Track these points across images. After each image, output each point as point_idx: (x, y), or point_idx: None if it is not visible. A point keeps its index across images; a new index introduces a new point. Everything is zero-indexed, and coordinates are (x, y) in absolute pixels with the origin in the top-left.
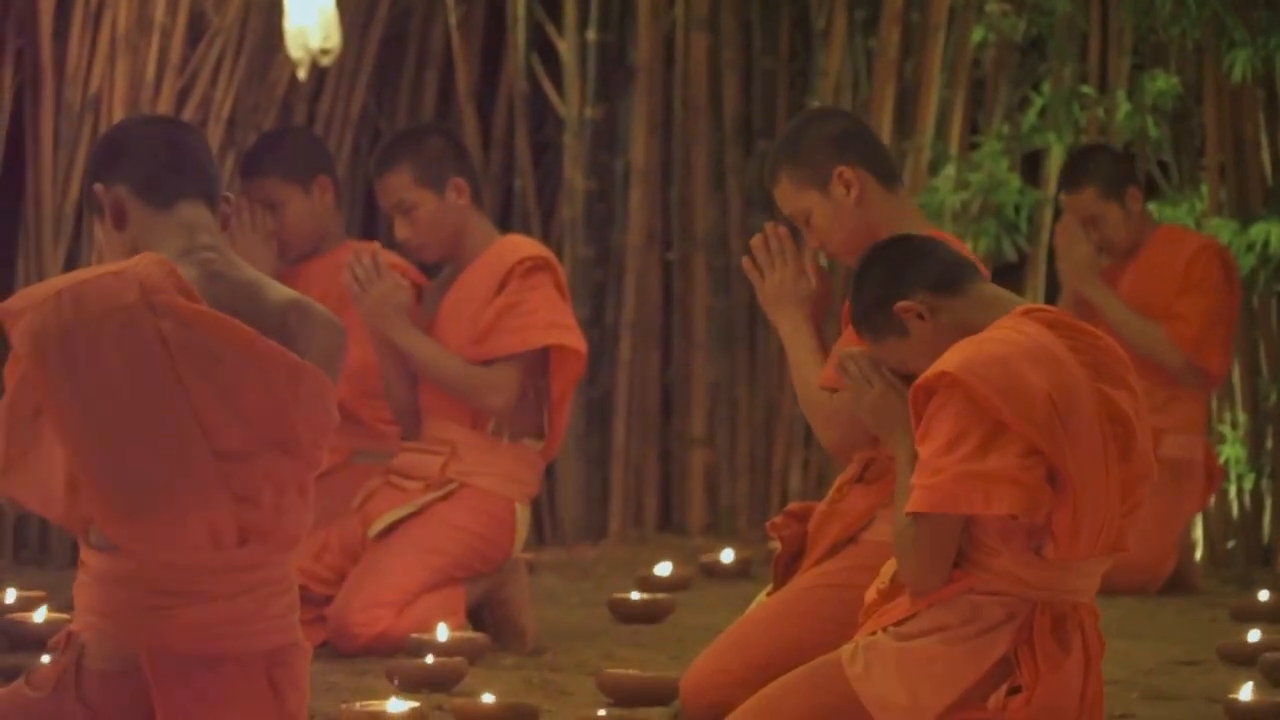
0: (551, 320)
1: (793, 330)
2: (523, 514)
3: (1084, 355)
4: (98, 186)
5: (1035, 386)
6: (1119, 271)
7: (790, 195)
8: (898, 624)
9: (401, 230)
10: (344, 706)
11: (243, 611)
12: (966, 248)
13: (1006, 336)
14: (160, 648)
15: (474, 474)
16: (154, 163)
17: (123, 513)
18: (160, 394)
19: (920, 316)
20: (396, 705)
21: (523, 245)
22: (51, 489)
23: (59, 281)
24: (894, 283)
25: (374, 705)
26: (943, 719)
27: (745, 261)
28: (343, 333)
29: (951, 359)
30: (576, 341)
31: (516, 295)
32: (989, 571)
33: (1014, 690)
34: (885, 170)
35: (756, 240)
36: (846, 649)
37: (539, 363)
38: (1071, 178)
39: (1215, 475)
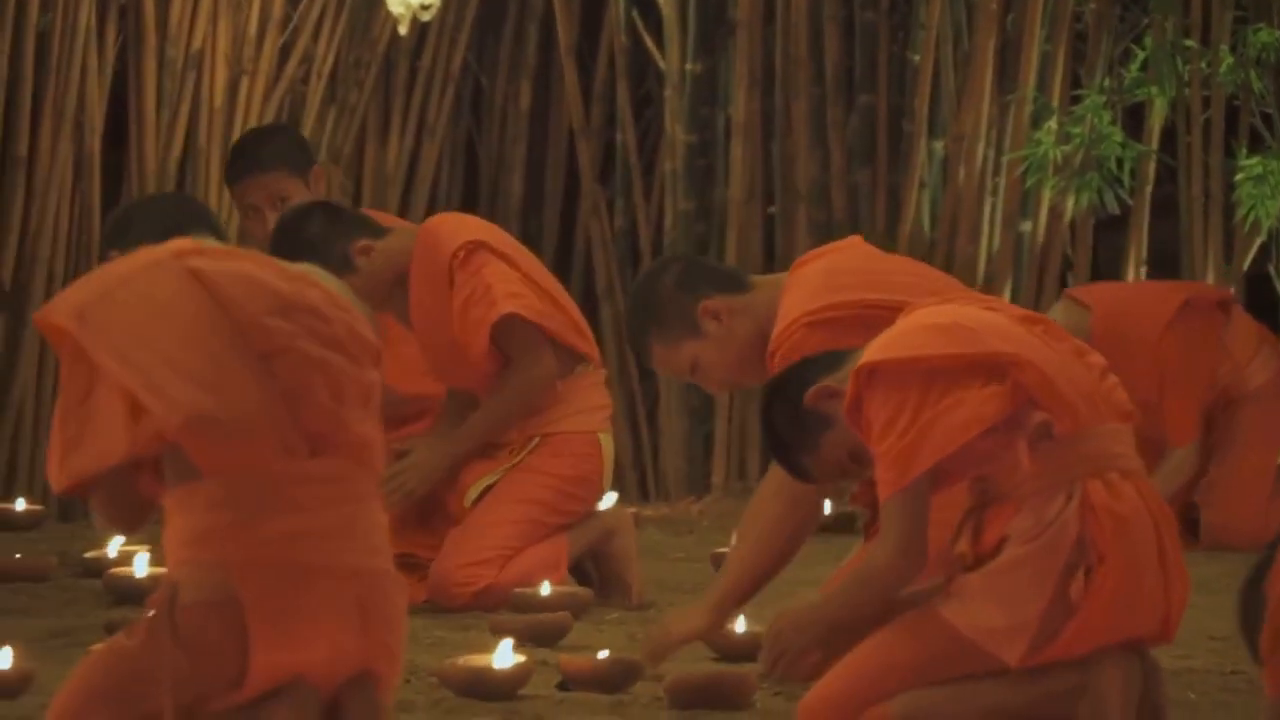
0: (507, 290)
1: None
2: (606, 443)
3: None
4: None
5: (933, 324)
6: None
7: (669, 357)
8: (968, 568)
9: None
10: (448, 661)
11: (327, 525)
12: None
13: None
14: (249, 560)
15: (550, 422)
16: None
17: (190, 419)
18: (200, 314)
19: (832, 395)
20: (503, 659)
21: (446, 235)
22: (112, 432)
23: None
24: (797, 388)
25: (478, 659)
26: (1044, 627)
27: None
28: (372, 317)
29: (856, 363)
30: (527, 309)
31: (468, 286)
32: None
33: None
34: (732, 282)
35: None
36: (935, 600)
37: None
38: None
39: None
